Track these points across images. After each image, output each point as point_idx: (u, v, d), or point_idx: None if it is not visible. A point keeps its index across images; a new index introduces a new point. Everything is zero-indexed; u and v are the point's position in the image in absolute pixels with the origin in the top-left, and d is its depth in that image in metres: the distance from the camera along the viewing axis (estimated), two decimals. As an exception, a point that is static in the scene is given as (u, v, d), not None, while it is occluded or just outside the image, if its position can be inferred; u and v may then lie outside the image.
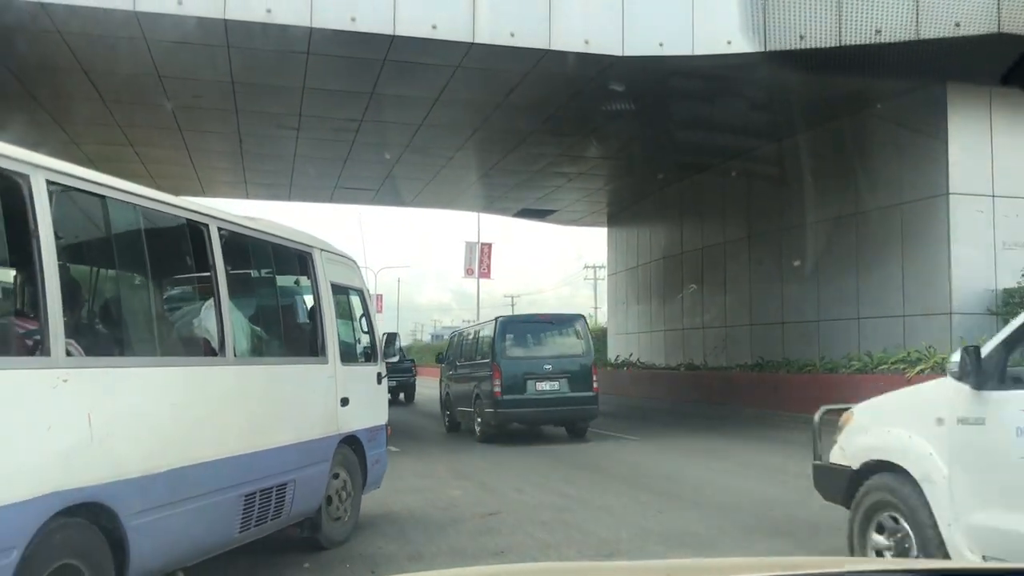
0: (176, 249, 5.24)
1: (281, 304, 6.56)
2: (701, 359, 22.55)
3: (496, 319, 15.63)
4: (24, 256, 3.81)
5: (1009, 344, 4.46)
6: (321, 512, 6.44)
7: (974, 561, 2.00)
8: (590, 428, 15.13)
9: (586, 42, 13.70)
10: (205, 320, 5.38)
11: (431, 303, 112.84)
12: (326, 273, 6.79)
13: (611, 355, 29.70)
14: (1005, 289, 14.83)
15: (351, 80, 15.54)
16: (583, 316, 16.81)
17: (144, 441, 4.38)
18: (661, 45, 13.90)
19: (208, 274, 5.25)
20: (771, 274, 19.86)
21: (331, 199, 27.39)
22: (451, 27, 13.20)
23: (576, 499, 8.59)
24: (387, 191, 25.97)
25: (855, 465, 5.24)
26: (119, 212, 4.52)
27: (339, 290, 7.08)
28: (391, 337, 8.15)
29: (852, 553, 5.08)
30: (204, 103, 16.89)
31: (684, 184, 23.65)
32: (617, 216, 29.13)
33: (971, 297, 14.96)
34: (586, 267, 71.87)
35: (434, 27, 13.13)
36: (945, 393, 4.64)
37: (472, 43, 13.33)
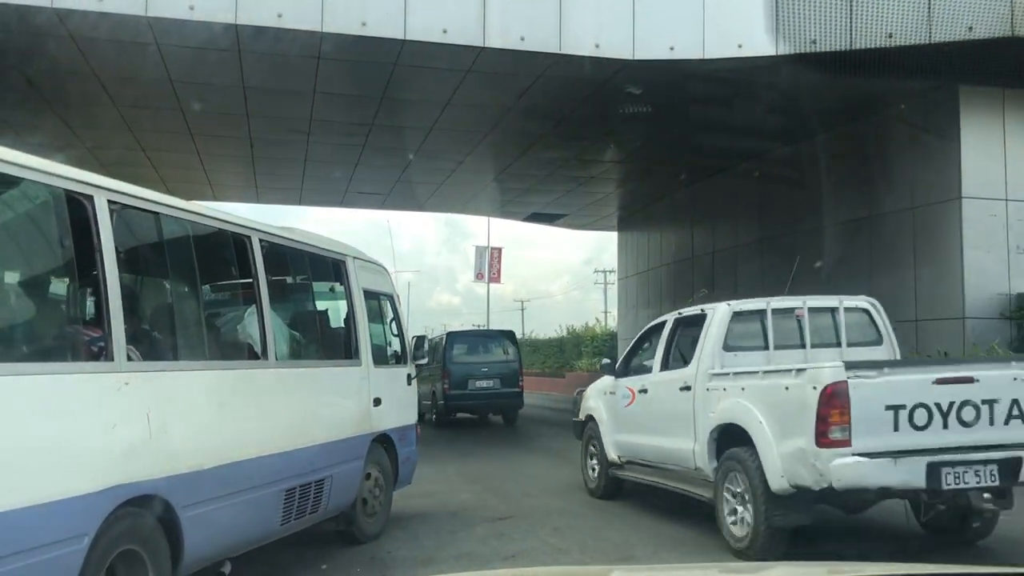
0: (221, 260, 5.65)
1: (317, 309, 6.97)
2: (712, 364, 22.45)
3: (446, 333, 21.41)
4: (89, 270, 4.16)
5: (627, 356, 9.69)
6: (356, 507, 6.80)
7: (977, 567, 2.10)
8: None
9: (597, 46, 13.68)
10: (248, 326, 5.77)
11: (441, 306, 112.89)
12: (359, 280, 7.19)
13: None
14: (1019, 293, 14.71)
15: (362, 84, 15.57)
16: (512, 332, 23.37)
17: (196, 439, 4.76)
18: (672, 49, 13.87)
19: (251, 282, 5.66)
20: (782, 277, 19.74)
21: (342, 203, 27.44)
22: (461, 31, 13.21)
23: (587, 503, 8.55)
24: (398, 195, 25.99)
25: (582, 418, 10.12)
26: (170, 227, 4.97)
27: (371, 295, 7.47)
28: (420, 340, 8.79)
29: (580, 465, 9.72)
30: (216, 108, 16.94)
31: (695, 188, 23.58)
32: (627, 220, 29.07)
33: (984, 302, 14.84)
34: (596, 271, 72.05)
35: (445, 31, 13.14)
36: (607, 380, 9.74)
37: (483, 47, 13.33)
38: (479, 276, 49.90)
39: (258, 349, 5.64)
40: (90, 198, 4.19)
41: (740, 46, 13.72)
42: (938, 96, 15.42)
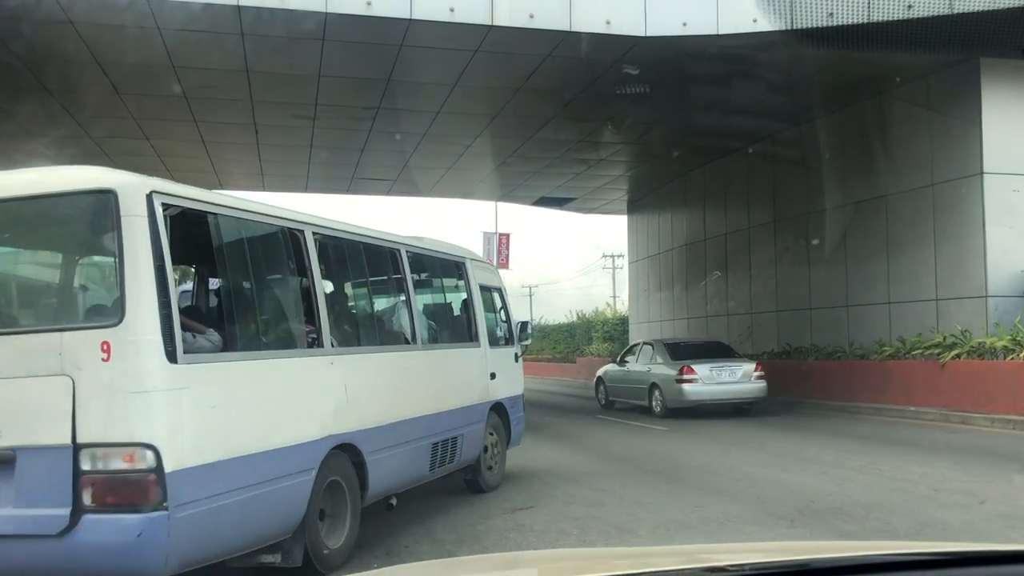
0: (382, 269, 7.26)
1: (447, 302, 8.60)
2: (726, 346, 22.16)
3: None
4: (304, 283, 5.84)
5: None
6: (480, 461, 8.38)
7: (992, 545, 2.25)
8: (618, 418, 14.98)
9: (608, 23, 13.35)
10: (402, 318, 7.38)
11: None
12: (475, 276, 8.84)
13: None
14: (1042, 271, 14.41)
15: (367, 67, 15.26)
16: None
17: (374, 403, 6.35)
18: (685, 25, 13.53)
19: (401, 284, 7.34)
20: (798, 259, 19.45)
21: (348, 190, 27.16)
22: (469, 10, 12.88)
23: (608, 492, 8.30)
24: (404, 182, 25.69)
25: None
26: (351, 248, 6.65)
27: (484, 289, 9.04)
28: (524, 324, 10.17)
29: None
30: (218, 93, 16.65)
31: (707, 169, 23.23)
32: (637, 203, 28.73)
33: (1007, 279, 14.52)
34: (604, 256, 71.50)
35: (452, 10, 12.81)
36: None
37: (491, 26, 13.01)
38: (487, 262, 49.54)
39: (409, 336, 7.28)
40: (302, 232, 5.81)
41: (755, 21, 13.37)
42: (958, 70, 15.07)
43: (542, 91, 16.54)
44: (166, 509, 4.16)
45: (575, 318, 39.63)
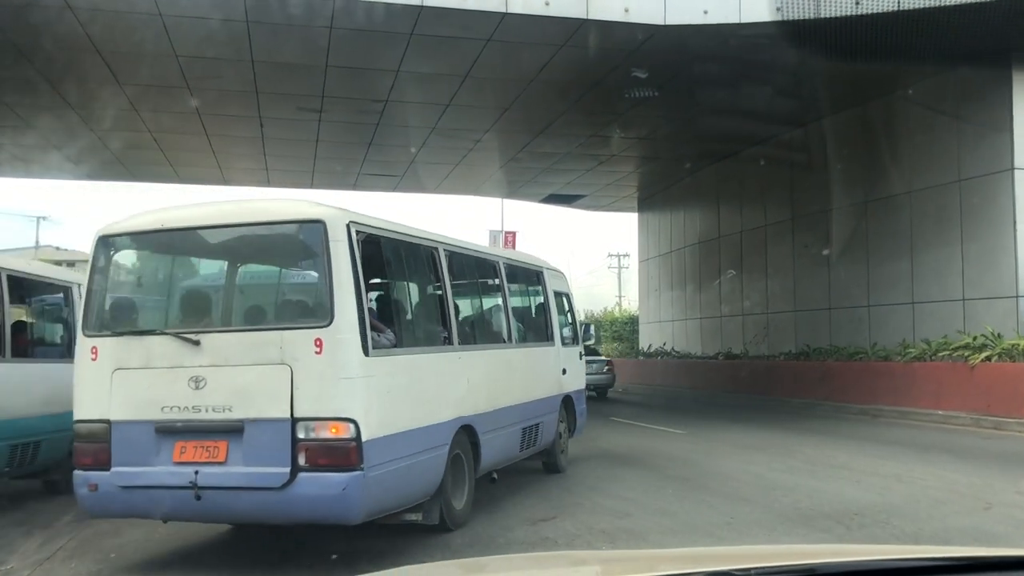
0: (486, 278, 8.45)
1: (531, 306, 9.88)
2: (741, 347, 21.64)
3: None
4: (440, 291, 7.09)
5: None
6: (554, 446, 9.53)
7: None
8: (637, 422, 14.56)
9: (626, 10, 12.85)
10: (501, 320, 8.51)
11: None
12: (550, 283, 9.97)
13: (642, 344, 28.84)
14: (1078, 270, 13.88)
15: (376, 57, 14.78)
16: None
17: (485, 392, 7.50)
18: (706, 13, 13.02)
19: (499, 291, 8.50)
20: (817, 258, 18.93)
21: (354, 186, 26.66)
22: (483, -4, 12.42)
23: (633, 502, 7.81)
24: (411, 178, 25.23)
25: None
26: (467, 261, 7.96)
27: (556, 294, 10.13)
28: (587, 327, 11.64)
29: None
30: (224, 84, 16.19)
31: (721, 166, 22.73)
32: (648, 201, 28.23)
33: (1039, 279, 14.01)
34: (610, 255, 70.90)
35: (465, -4, 12.35)
36: None
37: (505, 13, 12.53)
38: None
39: (506, 336, 8.50)
40: (437, 249, 7.07)
41: (779, 9, 12.85)
42: (987, 62, 14.52)
43: (554, 84, 16.07)
44: (362, 470, 5.38)
45: (583, 317, 39.18)
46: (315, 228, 5.64)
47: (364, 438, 5.39)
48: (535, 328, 9.63)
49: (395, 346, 6.19)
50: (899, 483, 8.39)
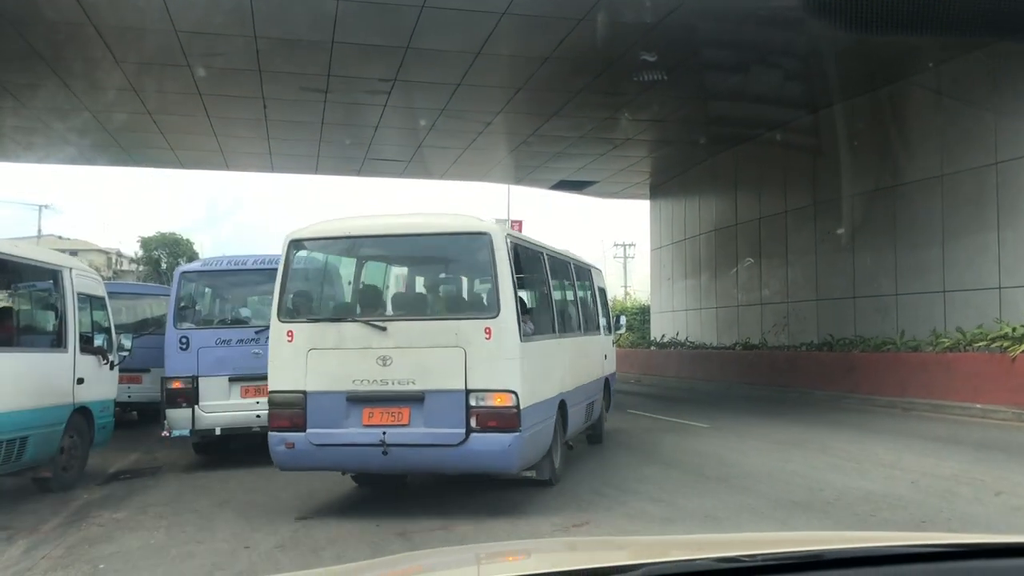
0: (566, 275, 9.84)
1: (588, 300, 11.07)
2: (759, 337, 20.95)
3: None
4: (546, 289, 8.64)
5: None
6: (600, 420, 10.98)
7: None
8: (656, 415, 13.94)
9: (649, -18, 12.17)
10: (575, 312, 9.89)
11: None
12: (596, 280, 11.66)
13: (654, 334, 28.18)
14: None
15: (384, 33, 14.10)
16: None
17: (570, 372, 8.73)
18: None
19: (572, 288, 10.12)
20: (840, 245, 18.23)
21: (360, 172, 26.00)
22: (500, -36, 11.74)
23: (673, 505, 7.17)
24: (418, 163, 24.54)
25: None
26: (556, 262, 9.28)
27: (600, 290, 11.88)
28: (618, 318, 13.80)
29: None
30: (225, 63, 15.51)
31: (738, 151, 22.00)
32: (661, 188, 27.51)
33: (1080, 266, 13.32)
34: (616, 245, 70.09)
35: (480, -36, 11.67)
36: None
37: (523, -17, 11.85)
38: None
39: (578, 325, 9.84)
40: (542, 253, 8.56)
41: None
42: (1027, 37, 13.80)
43: (570, 63, 15.40)
44: (520, 431, 6.78)
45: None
46: (483, 239, 7.16)
47: (521, 406, 6.81)
48: (592, 319, 11.09)
49: (532, 334, 7.52)
50: (963, 486, 7.69)
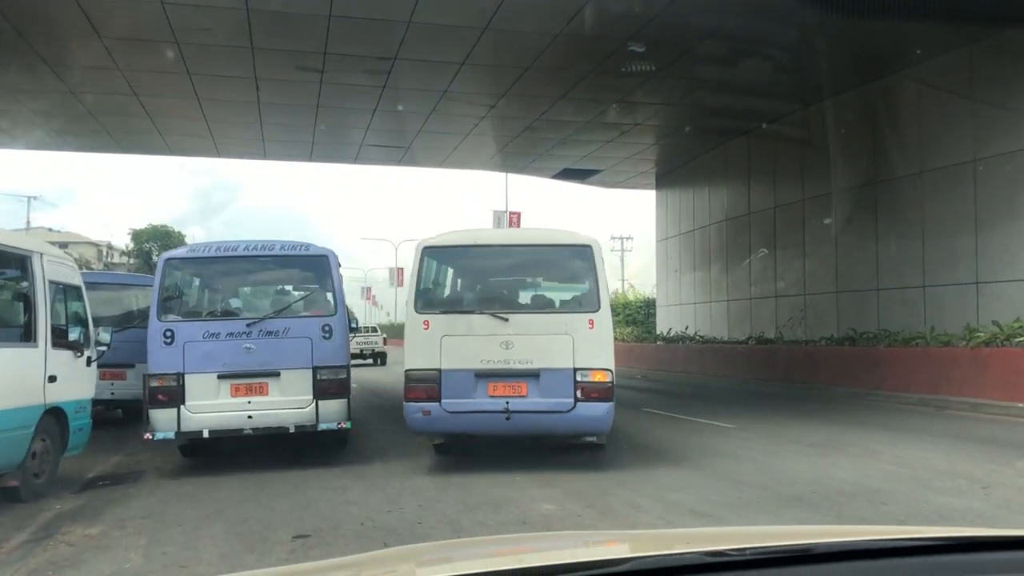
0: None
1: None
2: (774, 331, 20.12)
3: None
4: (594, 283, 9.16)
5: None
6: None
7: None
8: (674, 414, 13.08)
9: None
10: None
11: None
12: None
13: (660, 328, 27.33)
14: None
15: (385, 5, 13.23)
16: None
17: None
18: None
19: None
20: (863, 234, 17.39)
21: (356, 159, 25.12)
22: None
23: (720, 520, 6.30)
24: (417, 150, 23.67)
25: None
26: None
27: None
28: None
29: None
30: (215, 38, 14.62)
31: (752, 137, 21.15)
32: (668, 177, 26.64)
33: None
34: (613, 238, 69.08)
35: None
36: None
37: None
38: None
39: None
40: (589, 247, 8.98)
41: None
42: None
43: (585, 39, 14.53)
44: (613, 401, 8.50)
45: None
46: (586, 250, 8.94)
47: (615, 382, 8.56)
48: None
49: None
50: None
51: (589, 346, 8.47)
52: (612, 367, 8.50)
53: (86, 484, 8.80)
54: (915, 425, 11.74)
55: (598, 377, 8.42)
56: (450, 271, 10.18)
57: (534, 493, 7.61)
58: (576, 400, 8.36)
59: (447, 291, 9.91)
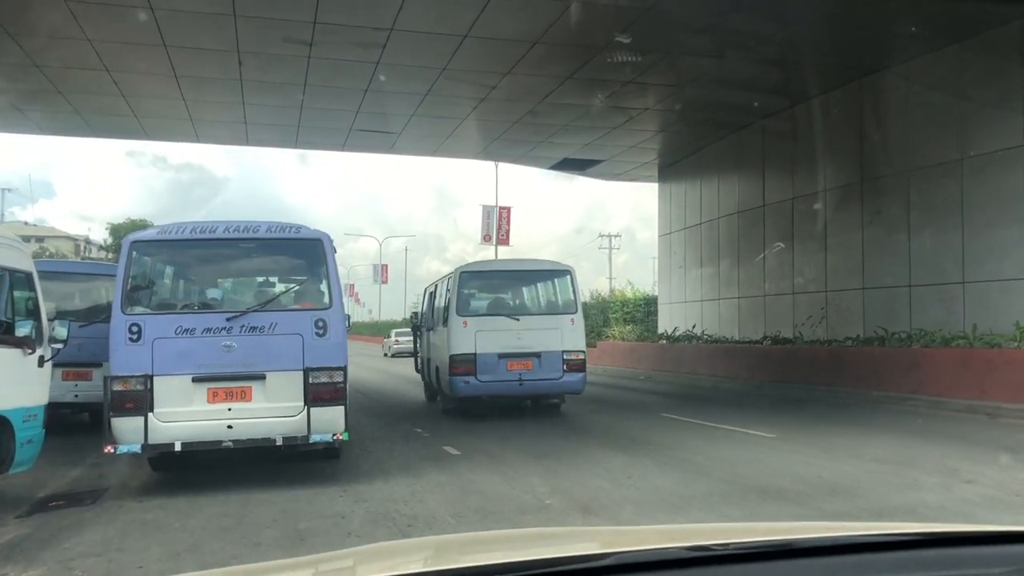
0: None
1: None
2: (791, 330, 18.90)
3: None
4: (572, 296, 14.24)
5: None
6: None
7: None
8: (699, 420, 11.90)
9: None
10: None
11: (430, 274, 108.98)
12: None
13: (662, 327, 26.07)
14: None
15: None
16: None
17: None
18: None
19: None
20: (893, 226, 16.20)
21: (344, 146, 23.72)
22: None
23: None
24: (410, 136, 22.30)
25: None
26: None
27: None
28: None
29: None
30: (193, 3, 13.22)
31: (767, 124, 19.93)
32: (672, 168, 25.39)
33: None
34: (601, 236, 67.66)
35: None
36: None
37: None
38: (486, 238, 45.69)
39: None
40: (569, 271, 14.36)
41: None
42: None
43: (595, 12, 13.27)
44: (585, 372, 13.36)
45: (588, 298, 36.16)
46: (566, 271, 14.04)
47: (586, 360, 13.42)
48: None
49: None
50: None
51: (571, 335, 13.18)
52: (584, 349, 13.45)
53: (35, 506, 7.46)
54: (979, 436, 10.52)
55: (578, 356, 13.15)
56: (476, 286, 14.41)
57: (575, 521, 6.32)
58: (563, 371, 12.97)
59: (477, 301, 14.34)
